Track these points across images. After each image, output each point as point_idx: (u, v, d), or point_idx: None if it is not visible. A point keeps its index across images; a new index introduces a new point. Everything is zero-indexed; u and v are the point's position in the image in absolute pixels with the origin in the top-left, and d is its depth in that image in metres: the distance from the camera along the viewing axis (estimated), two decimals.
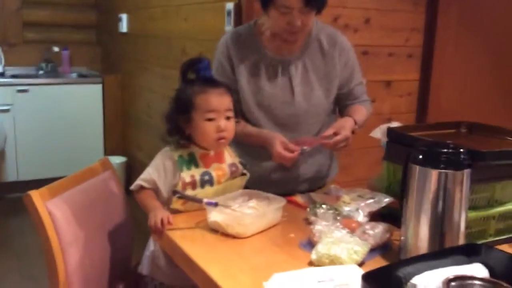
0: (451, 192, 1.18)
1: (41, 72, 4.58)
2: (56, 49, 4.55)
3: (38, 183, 1.64)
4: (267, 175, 1.80)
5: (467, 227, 1.33)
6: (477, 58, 2.99)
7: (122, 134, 4.50)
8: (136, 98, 4.10)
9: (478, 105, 3.12)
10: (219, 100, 1.57)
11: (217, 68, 1.81)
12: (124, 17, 4.13)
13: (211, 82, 1.59)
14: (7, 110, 4.06)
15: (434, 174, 1.18)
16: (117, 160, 4.20)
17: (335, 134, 1.64)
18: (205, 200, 1.44)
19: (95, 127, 4.44)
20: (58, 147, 4.27)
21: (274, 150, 1.63)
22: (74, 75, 4.64)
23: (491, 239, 1.39)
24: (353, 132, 1.72)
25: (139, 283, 1.63)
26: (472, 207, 1.35)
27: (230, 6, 2.46)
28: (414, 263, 1.05)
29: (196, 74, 1.57)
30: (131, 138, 4.32)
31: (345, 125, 1.68)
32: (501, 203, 1.39)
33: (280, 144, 1.63)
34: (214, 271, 1.21)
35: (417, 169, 1.20)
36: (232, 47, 1.77)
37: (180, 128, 1.57)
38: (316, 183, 1.86)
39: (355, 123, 1.73)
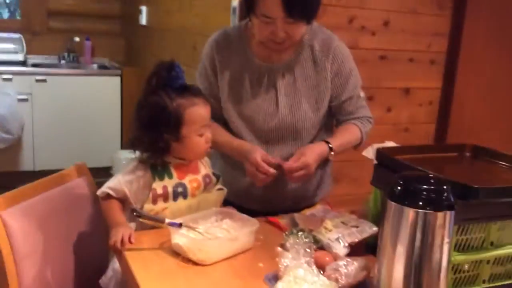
0: (429, 235, 1.02)
1: (63, 61, 4.56)
2: (77, 39, 4.51)
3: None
4: (249, 190, 1.66)
5: (456, 272, 1.18)
6: (506, 66, 2.76)
7: None
8: None
9: (505, 117, 2.89)
10: (207, 111, 1.47)
11: (200, 71, 1.68)
12: (144, 9, 4.06)
13: (191, 91, 1.46)
14: (25, 99, 4.05)
15: (411, 213, 1.02)
16: (132, 154, 4.15)
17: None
18: (167, 220, 1.32)
19: (113, 119, 4.40)
20: (75, 138, 4.24)
21: (253, 157, 1.51)
22: (94, 66, 4.61)
23: (484, 285, 1.22)
24: (327, 158, 1.59)
25: None
26: (463, 249, 1.18)
27: (235, 3, 2.33)
28: None
29: (170, 81, 1.41)
30: None
31: (307, 152, 1.52)
32: (498, 246, 1.21)
33: (260, 155, 1.51)
34: None
35: (392, 205, 1.05)
36: (217, 50, 1.63)
37: (164, 144, 1.43)
38: (304, 201, 1.70)
39: (331, 149, 1.57)
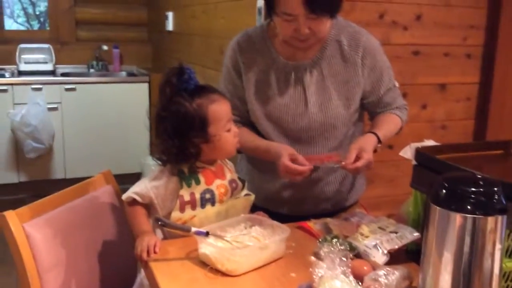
0: (479, 242, 0.92)
1: (92, 70, 4.60)
2: (105, 47, 4.54)
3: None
4: (279, 193, 1.59)
5: (507, 279, 1.07)
6: None
7: None
8: None
9: None
10: (227, 105, 1.42)
11: (224, 74, 1.62)
12: (170, 15, 4.05)
13: (207, 89, 1.40)
14: (55, 108, 4.09)
15: (458, 218, 0.93)
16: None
17: (357, 157, 1.41)
18: (193, 229, 1.26)
19: (142, 125, 4.37)
20: (105, 145, 4.26)
21: (281, 162, 1.44)
22: (123, 73, 4.63)
23: None
24: (375, 150, 1.48)
25: None
26: None
27: (260, 3, 2.26)
28: None
29: (184, 85, 1.34)
30: None
31: (367, 148, 1.43)
32: None
33: (288, 156, 1.44)
34: None
35: (437, 210, 0.95)
36: (240, 52, 1.57)
37: (195, 149, 1.37)
38: (337, 204, 1.62)
39: (379, 140, 1.48)
